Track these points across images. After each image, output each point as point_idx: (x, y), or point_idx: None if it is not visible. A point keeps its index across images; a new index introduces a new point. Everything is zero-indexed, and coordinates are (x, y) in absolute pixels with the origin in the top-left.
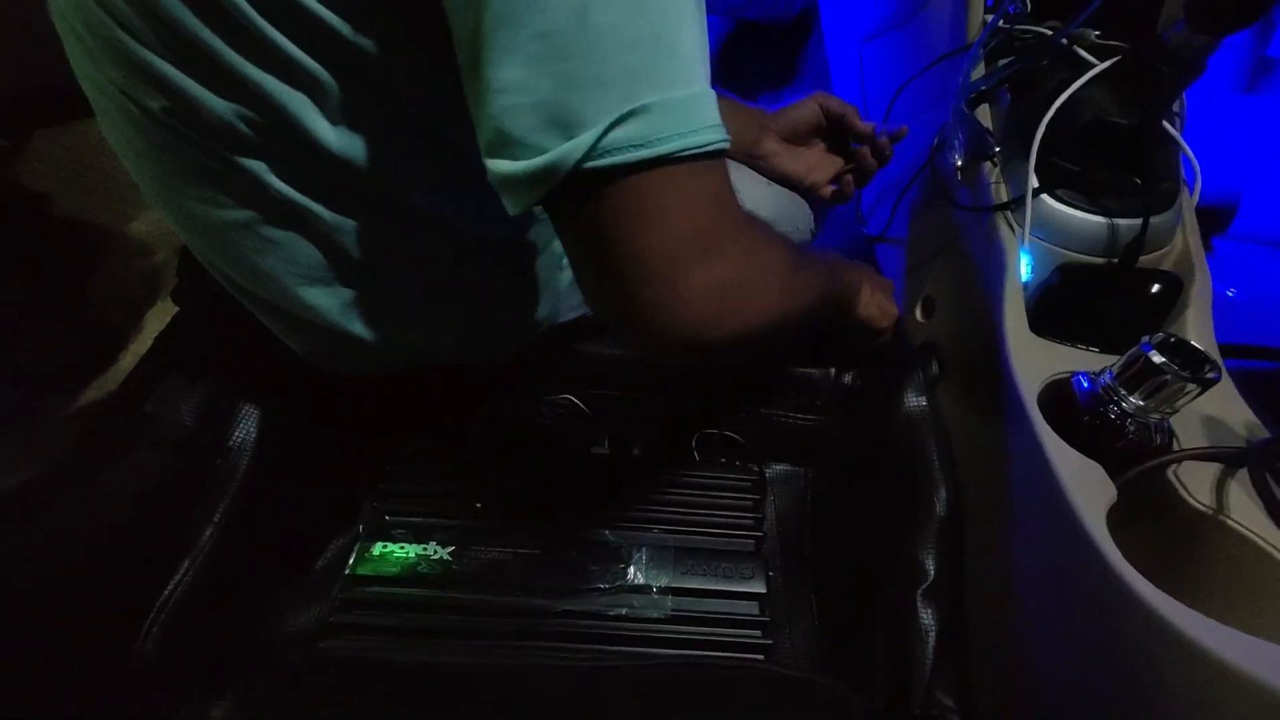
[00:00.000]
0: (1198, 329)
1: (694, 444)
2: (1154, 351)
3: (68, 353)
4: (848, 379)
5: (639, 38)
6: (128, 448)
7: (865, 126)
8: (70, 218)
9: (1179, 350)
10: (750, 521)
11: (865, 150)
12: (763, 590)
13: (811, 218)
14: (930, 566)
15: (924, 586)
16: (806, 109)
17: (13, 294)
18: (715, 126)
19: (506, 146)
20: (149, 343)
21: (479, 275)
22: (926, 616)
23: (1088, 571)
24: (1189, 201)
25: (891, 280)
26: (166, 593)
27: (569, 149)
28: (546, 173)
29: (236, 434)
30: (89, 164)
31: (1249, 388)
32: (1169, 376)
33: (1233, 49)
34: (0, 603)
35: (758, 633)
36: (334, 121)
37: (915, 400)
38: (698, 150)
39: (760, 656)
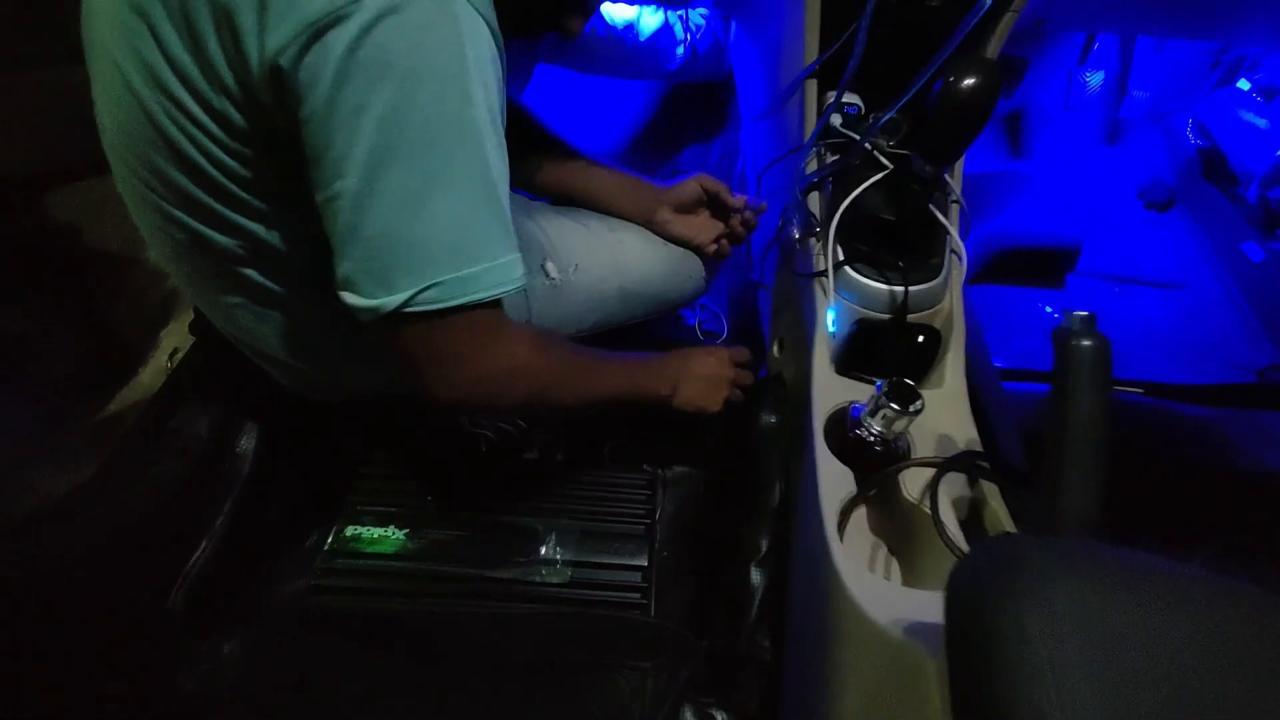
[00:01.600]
0: (952, 366)
1: (606, 451)
2: (883, 393)
3: (91, 366)
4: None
5: (440, 241)
6: (158, 458)
7: (735, 201)
8: (96, 248)
9: (902, 390)
10: (642, 511)
11: (735, 219)
12: (644, 564)
13: (702, 269)
14: (763, 544)
15: (757, 558)
16: (690, 186)
17: (45, 313)
18: (489, 288)
19: (350, 287)
20: (164, 359)
21: None
22: (755, 579)
23: (819, 543)
24: (958, 272)
25: (741, 351)
26: (190, 563)
27: (388, 300)
28: (374, 310)
29: (241, 444)
30: (110, 204)
31: (1025, 405)
32: (889, 410)
33: (1093, 109)
34: (66, 577)
35: (637, 595)
36: (289, 245)
37: (766, 418)
38: (476, 302)
39: (637, 613)
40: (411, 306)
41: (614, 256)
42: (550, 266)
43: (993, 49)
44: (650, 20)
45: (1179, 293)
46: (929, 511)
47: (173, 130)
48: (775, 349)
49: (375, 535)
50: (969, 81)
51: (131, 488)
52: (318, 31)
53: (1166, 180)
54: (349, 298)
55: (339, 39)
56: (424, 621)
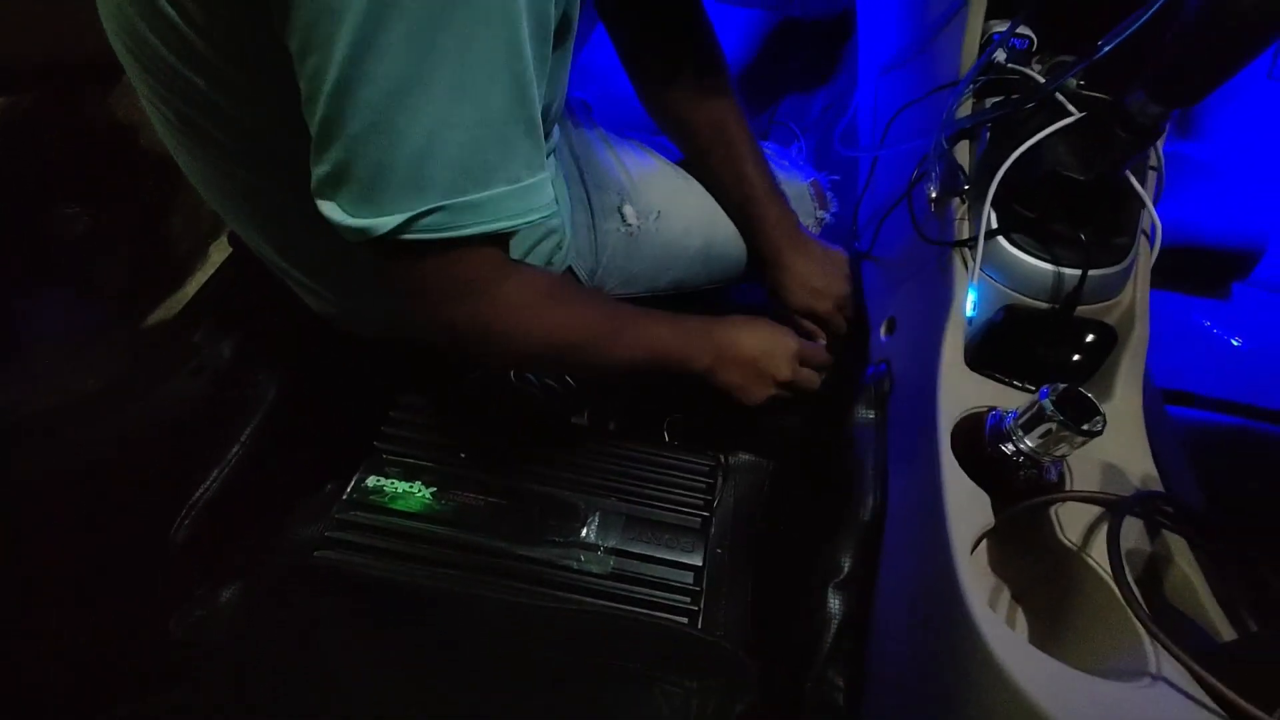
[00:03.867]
0: (1126, 380)
1: (665, 426)
2: (1048, 400)
3: (139, 276)
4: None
5: (446, 153)
6: (174, 371)
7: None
8: (152, 151)
9: (1075, 401)
10: (700, 502)
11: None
12: (699, 563)
13: None
14: (845, 564)
15: (836, 580)
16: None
17: (103, 218)
18: (505, 218)
19: (329, 196)
20: (210, 273)
21: None
22: (834, 606)
23: (945, 585)
24: (1146, 257)
25: (817, 349)
26: (197, 495)
27: (376, 223)
28: (359, 232)
29: (266, 370)
30: None
31: (1197, 438)
32: (1055, 425)
33: None
34: (62, 492)
35: (687, 599)
36: (278, 138)
37: (864, 414)
38: (486, 234)
39: (684, 620)
40: (406, 234)
41: (704, 208)
42: (628, 211)
43: None
44: None
45: None
46: (1095, 563)
47: None
48: (883, 331)
49: (400, 490)
50: None
51: (141, 403)
52: None
53: None
54: (328, 210)
55: None
56: (443, 599)
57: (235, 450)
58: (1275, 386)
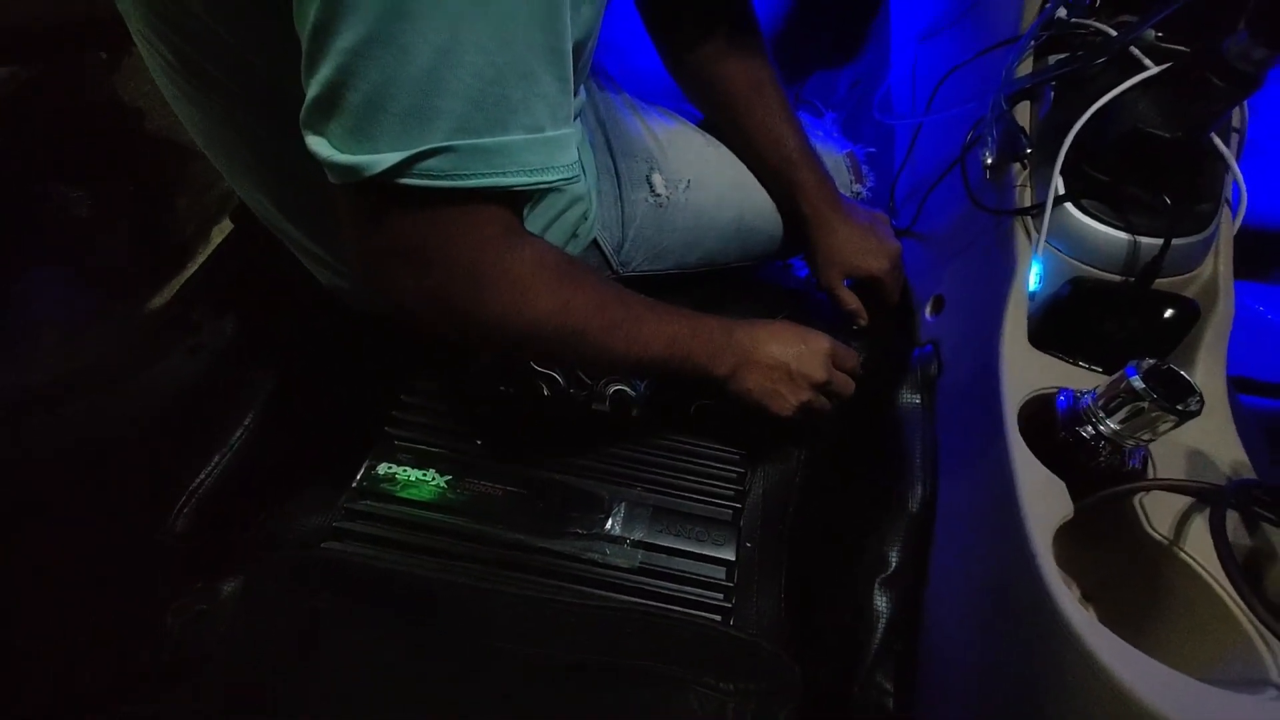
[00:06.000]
0: (1208, 360)
1: (693, 412)
2: (1138, 377)
3: (142, 258)
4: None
5: (460, 85)
6: (169, 349)
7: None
8: (157, 134)
9: (1166, 379)
10: (731, 493)
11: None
12: (731, 558)
13: None
14: (893, 559)
15: (883, 576)
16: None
17: (100, 198)
18: (522, 171)
19: (317, 128)
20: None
21: None
22: (881, 604)
23: (1024, 582)
24: (1228, 226)
25: (850, 353)
26: (197, 481)
27: (369, 161)
28: (349, 170)
29: (272, 350)
30: None
31: (1268, 427)
32: (1147, 404)
33: None
34: (55, 477)
35: (720, 596)
36: (280, 78)
37: (909, 399)
38: (497, 188)
39: (717, 618)
40: (403, 177)
41: (737, 178)
42: (657, 180)
43: None
44: None
45: None
46: (1191, 559)
47: None
48: (929, 310)
49: (412, 478)
50: None
51: (134, 385)
52: None
53: None
54: (315, 144)
55: None
56: (458, 594)
57: (238, 435)
58: None
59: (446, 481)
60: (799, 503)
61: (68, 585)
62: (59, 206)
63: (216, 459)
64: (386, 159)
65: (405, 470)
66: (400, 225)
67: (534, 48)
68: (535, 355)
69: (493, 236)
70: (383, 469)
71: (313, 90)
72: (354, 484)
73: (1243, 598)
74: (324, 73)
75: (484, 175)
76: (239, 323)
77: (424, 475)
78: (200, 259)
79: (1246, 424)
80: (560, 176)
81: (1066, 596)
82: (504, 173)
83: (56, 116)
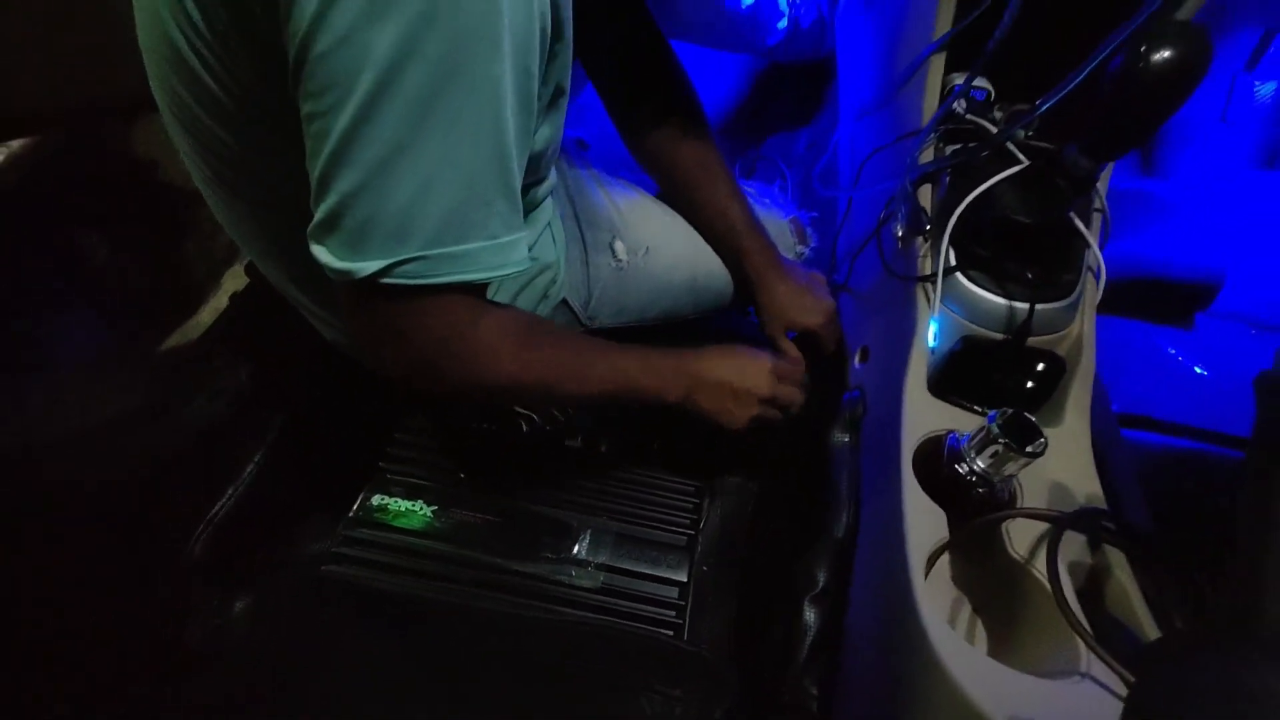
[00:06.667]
0: (1075, 404)
1: (655, 448)
2: (995, 424)
3: (156, 301)
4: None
5: (428, 209)
6: (195, 393)
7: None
8: (171, 184)
9: (1019, 425)
10: (686, 521)
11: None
12: (683, 579)
13: None
14: (820, 578)
15: (812, 594)
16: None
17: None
18: (481, 269)
19: (319, 240)
20: (224, 300)
21: None
22: (809, 618)
23: (899, 595)
24: (1091, 292)
25: (794, 364)
26: (214, 511)
27: (357, 267)
28: (342, 274)
29: (280, 394)
30: None
31: (1155, 460)
32: (1001, 447)
33: (1255, 126)
34: (85, 507)
35: (672, 613)
36: (294, 186)
37: (840, 437)
38: (461, 283)
39: (669, 632)
40: (385, 278)
41: (690, 244)
42: (619, 247)
43: (1188, 9)
44: None
45: None
46: (1040, 575)
47: (178, 37)
48: (858, 359)
49: (402, 508)
50: (1166, 54)
51: (163, 424)
52: None
53: None
54: (318, 252)
55: None
56: (443, 610)
57: (250, 469)
58: (1232, 412)
59: (433, 511)
60: (751, 530)
61: (94, 606)
62: (80, 253)
63: (231, 491)
64: (373, 265)
65: (396, 501)
66: (384, 312)
67: (491, 184)
68: (506, 403)
69: (459, 316)
70: (376, 500)
71: (319, 215)
72: (351, 513)
73: (1058, 603)
74: (328, 204)
75: (450, 274)
76: (252, 369)
77: (413, 505)
78: (212, 303)
79: (1128, 457)
80: (514, 270)
81: (928, 605)
82: (467, 271)
83: (77, 171)
